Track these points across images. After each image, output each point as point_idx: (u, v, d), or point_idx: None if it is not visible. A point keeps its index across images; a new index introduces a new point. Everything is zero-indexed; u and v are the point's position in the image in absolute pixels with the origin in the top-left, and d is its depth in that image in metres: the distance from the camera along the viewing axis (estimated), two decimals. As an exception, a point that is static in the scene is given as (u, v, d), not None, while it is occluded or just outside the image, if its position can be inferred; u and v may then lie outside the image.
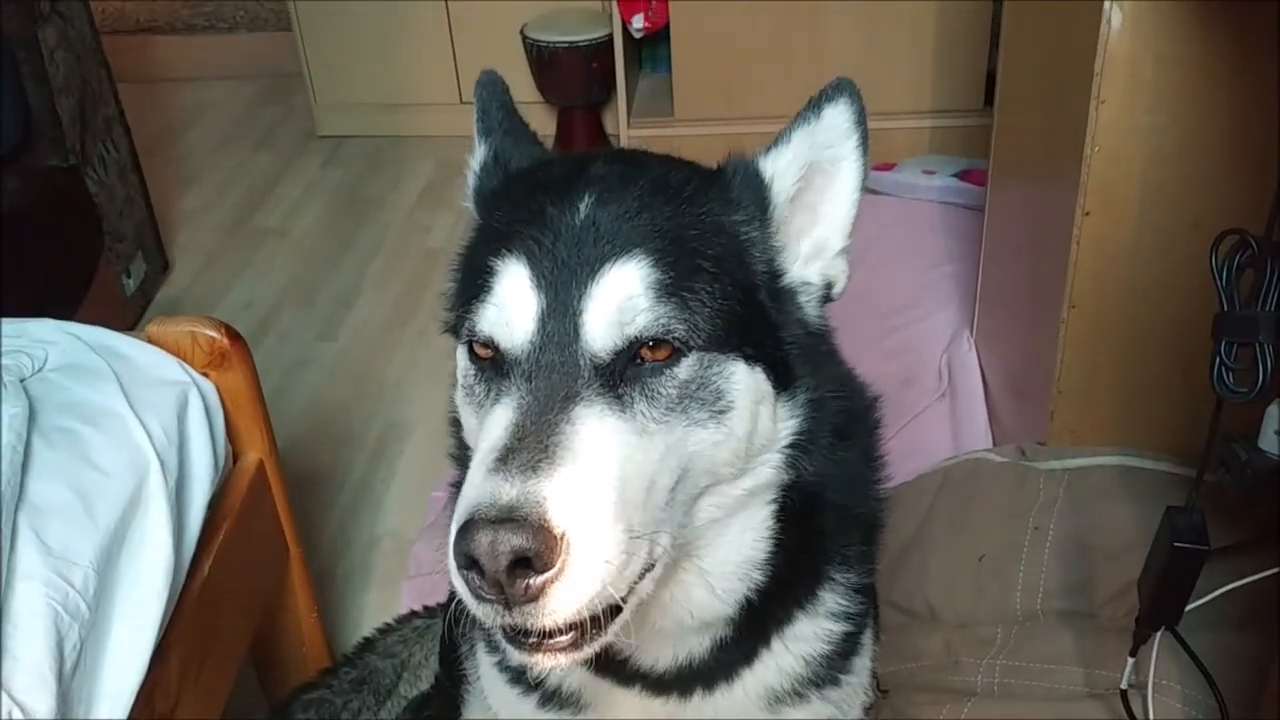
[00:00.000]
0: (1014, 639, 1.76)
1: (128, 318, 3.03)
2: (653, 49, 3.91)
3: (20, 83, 2.64)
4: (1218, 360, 1.25)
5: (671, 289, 0.93)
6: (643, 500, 0.89)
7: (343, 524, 2.44)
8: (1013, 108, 2.32)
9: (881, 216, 3.29)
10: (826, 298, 1.08)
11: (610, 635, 0.91)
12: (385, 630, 1.96)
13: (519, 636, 0.88)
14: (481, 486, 0.84)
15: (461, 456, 1.15)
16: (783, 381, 1.02)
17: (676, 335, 0.92)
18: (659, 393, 0.92)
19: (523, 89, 3.46)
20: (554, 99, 3.85)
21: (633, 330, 0.92)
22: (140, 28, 4.95)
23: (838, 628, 1.19)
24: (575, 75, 3.72)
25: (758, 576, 1.09)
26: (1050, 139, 1.95)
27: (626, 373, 0.92)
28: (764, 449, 1.02)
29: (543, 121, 3.80)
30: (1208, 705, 1.52)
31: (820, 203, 1.06)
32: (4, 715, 1.15)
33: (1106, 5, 1.58)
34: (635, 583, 0.90)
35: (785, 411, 1.03)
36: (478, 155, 1.16)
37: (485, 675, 1.33)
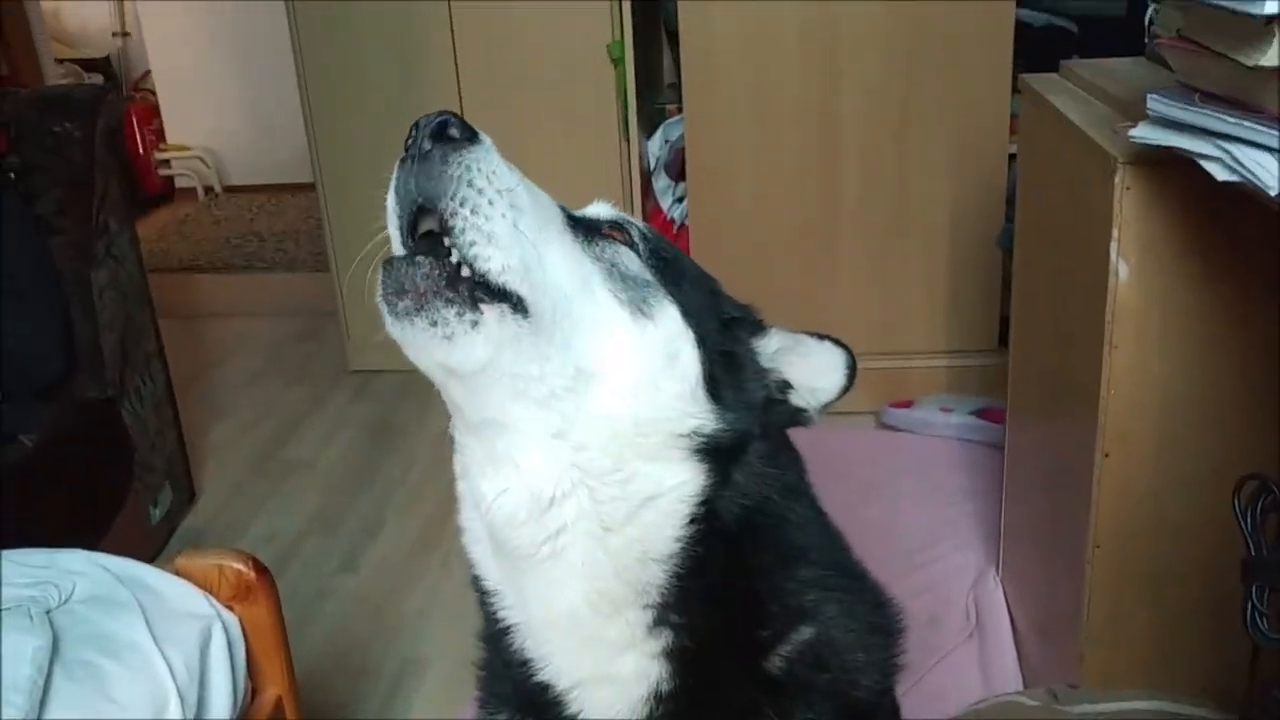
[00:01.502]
0: None
1: (151, 547, 3.04)
2: (675, 290, 4.05)
3: (70, 321, 2.76)
4: (1250, 606, 1.24)
5: (645, 234, 1.15)
6: (550, 244, 1.04)
7: (356, 764, 2.37)
8: (1027, 350, 2.38)
9: (900, 453, 3.32)
10: (785, 385, 1.19)
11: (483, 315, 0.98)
12: None
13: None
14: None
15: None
16: (711, 380, 1.09)
17: (631, 235, 1.13)
18: (603, 247, 1.10)
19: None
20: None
21: (615, 216, 1.16)
22: (183, 266, 5.18)
23: None
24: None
25: (658, 575, 1.05)
26: (1066, 381, 1.99)
27: (598, 227, 1.14)
28: (672, 399, 1.06)
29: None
30: None
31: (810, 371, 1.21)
32: None
33: (1113, 259, 1.65)
34: (501, 300, 0.98)
35: (706, 405, 1.08)
36: None
37: None
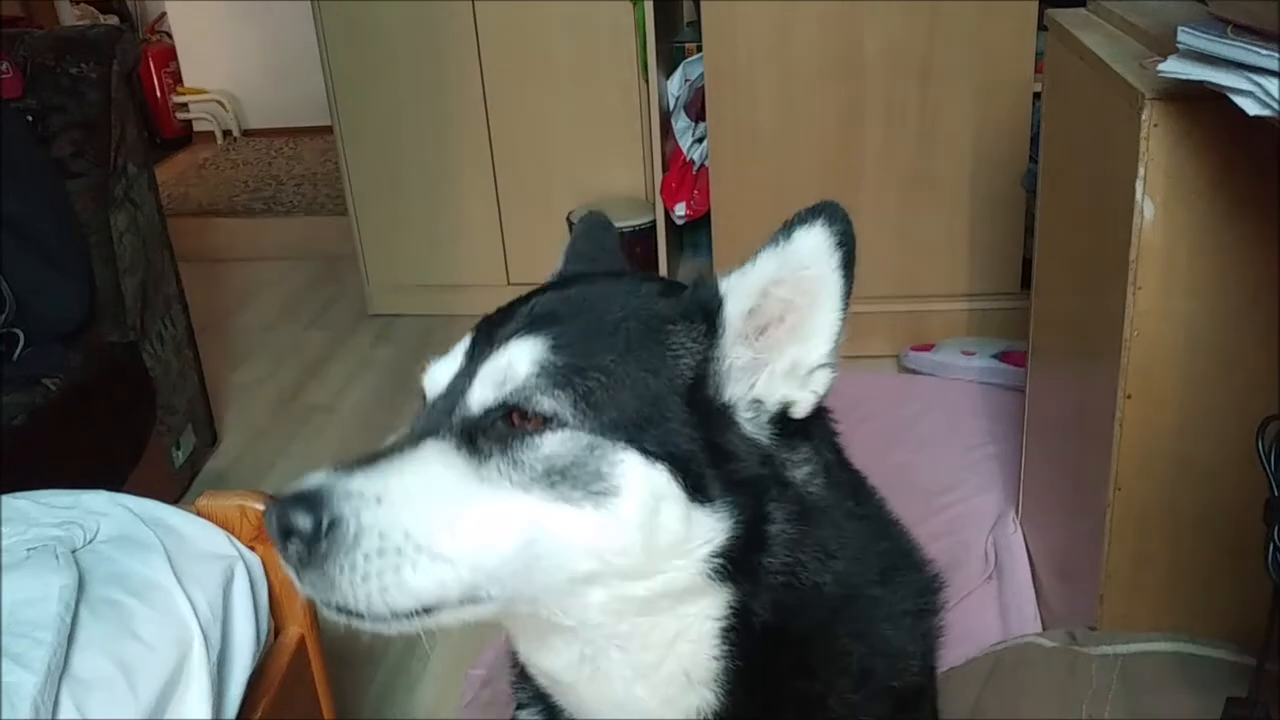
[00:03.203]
0: (1072, 837, 1.68)
1: (175, 489, 3.07)
2: (694, 235, 4.03)
3: (90, 265, 2.76)
4: (1271, 546, 1.23)
5: (560, 370, 0.97)
6: (460, 532, 0.94)
7: (379, 703, 2.40)
8: (1049, 293, 2.36)
9: (922, 396, 3.31)
10: (785, 418, 1.04)
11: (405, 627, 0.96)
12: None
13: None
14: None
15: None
16: (699, 490, 0.99)
17: (541, 409, 0.96)
18: (520, 459, 0.96)
19: (568, 271, 3.56)
20: (598, 281, 3.95)
21: (502, 394, 0.98)
22: (203, 210, 5.18)
23: None
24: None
25: (709, 695, 1.07)
26: (1088, 323, 1.97)
27: (493, 429, 0.97)
28: (671, 552, 0.99)
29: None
30: None
31: (802, 322, 1.03)
32: None
33: (1139, 198, 1.62)
34: (457, 606, 0.96)
35: (708, 521, 1.00)
36: (551, 275, 1.25)
37: None
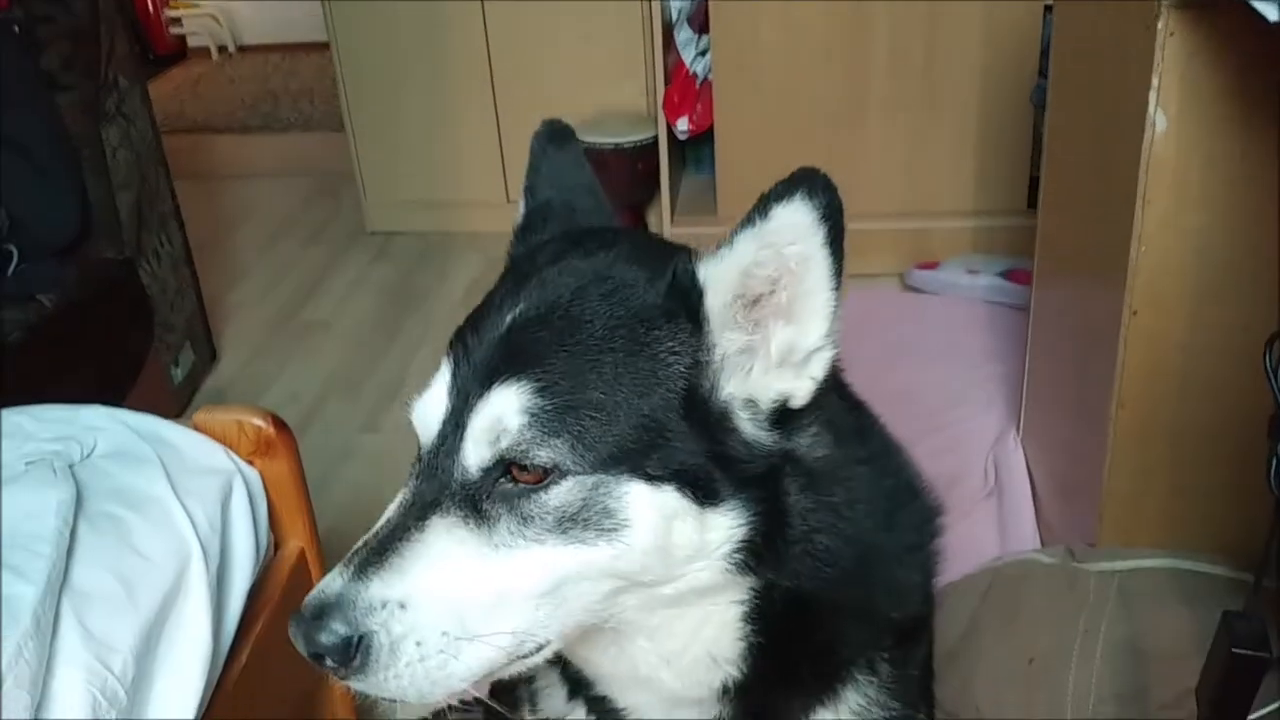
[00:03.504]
0: (1066, 748, 1.70)
1: (174, 407, 3.07)
2: (697, 150, 3.97)
3: (81, 179, 2.72)
4: (1274, 462, 1.22)
5: (550, 414, 0.94)
6: (490, 605, 0.95)
7: (380, 617, 2.42)
8: (1056, 209, 2.32)
9: (925, 315, 3.29)
10: (784, 411, 1.01)
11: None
12: (421, 724, 1.94)
13: None
14: (326, 576, 0.96)
15: None
16: (709, 496, 0.98)
17: (539, 462, 0.94)
18: (529, 514, 0.95)
19: (568, 187, 3.52)
20: (599, 198, 3.91)
21: (497, 451, 0.95)
22: (198, 127, 5.11)
23: None
24: (621, 176, 3.78)
25: (732, 670, 1.08)
26: (1095, 240, 1.95)
27: (495, 490, 0.96)
28: (690, 559, 0.99)
29: (587, 219, 3.86)
30: (1271, 823, 1.46)
31: (790, 303, 0.97)
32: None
33: (1151, 110, 1.59)
34: (510, 664, 0.99)
35: (723, 521, 0.99)
36: (517, 215, 1.20)
37: None
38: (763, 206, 0.93)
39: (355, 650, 0.92)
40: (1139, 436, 1.86)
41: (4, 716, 1.14)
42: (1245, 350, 1.40)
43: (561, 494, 0.94)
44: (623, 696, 1.16)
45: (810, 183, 0.91)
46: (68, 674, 1.23)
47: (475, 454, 0.96)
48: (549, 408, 0.94)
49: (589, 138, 3.75)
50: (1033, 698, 1.79)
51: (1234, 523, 1.80)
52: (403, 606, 0.93)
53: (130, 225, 2.90)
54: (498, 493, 0.96)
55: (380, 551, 0.95)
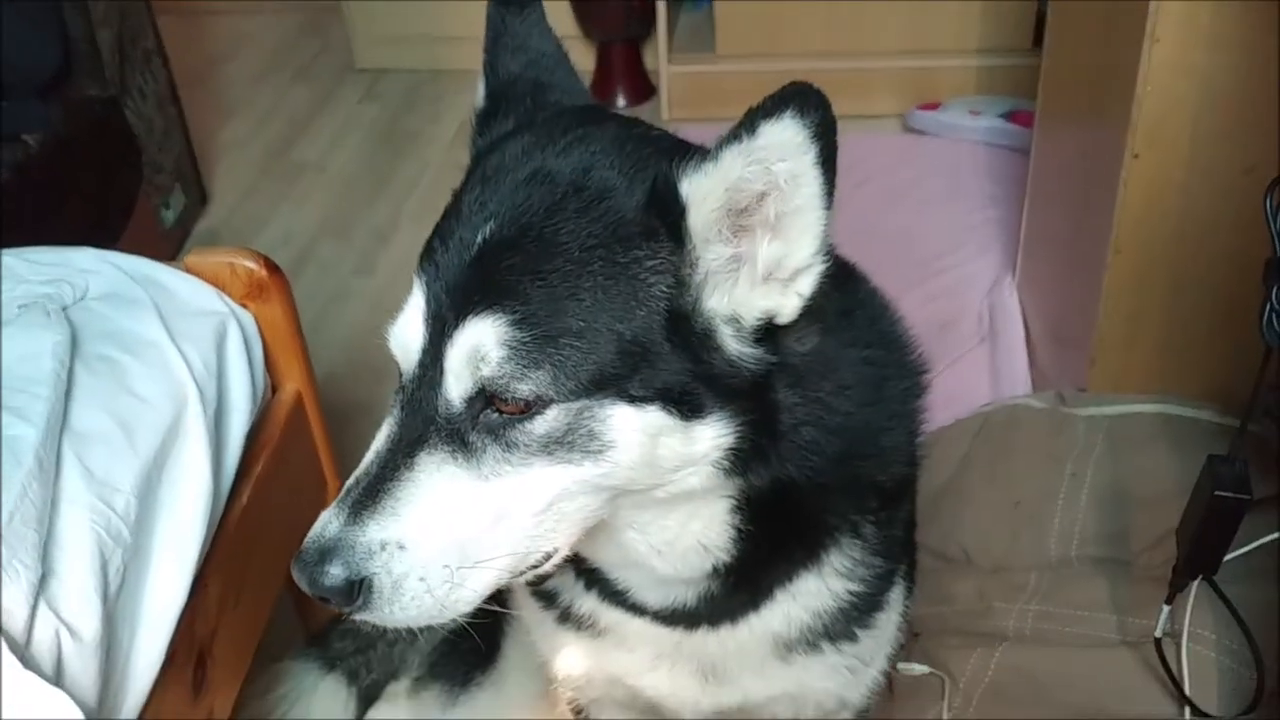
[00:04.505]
0: (1048, 585, 1.75)
1: (167, 249, 3.05)
2: (694, -16, 3.85)
3: (60, 13, 2.64)
4: (1268, 307, 1.23)
5: (530, 345, 0.92)
6: (488, 532, 0.97)
7: (379, 457, 2.46)
8: (1063, 47, 2.26)
9: (925, 157, 3.24)
10: (771, 328, 0.98)
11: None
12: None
13: None
14: (322, 516, 0.97)
15: None
16: (694, 410, 0.97)
17: (521, 394, 0.93)
18: (514, 442, 0.96)
19: (563, 23, 3.43)
20: (594, 34, 3.80)
21: (479, 380, 0.94)
22: (179, -43, 4.92)
23: (847, 587, 1.19)
24: (616, 9, 3.67)
25: (722, 555, 1.11)
26: (1100, 79, 1.90)
27: (480, 421, 0.96)
28: (679, 469, 1.00)
29: (582, 56, 3.76)
30: (1242, 655, 1.52)
31: (779, 219, 0.93)
32: (52, 635, 1.17)
33: (1165, -58, 1.53)
34: (522, 574, 1.02)
35: (710, 432, 0.98)
36: (477, 98, 1.13)
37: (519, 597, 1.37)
38: (750, 123, 0.88)
39: (359, 591, 0.95)
40: (1133, 282, 1.86)
41: (12, 556, 1.16)
42: (1246, 194, 1.39)
43: (546, 422, 0.94)
44: (622, 578, 1.20)
45: (802, 99, 0.86)
46: (72, 513, 1.25)
47: (457, 386, 0.96)
48: (527, 339, 0.92)
49: (584, -31, 3.63)
50: (1017, 539, 1.84)
51: (1223, 369, 1.82)
52: (402, 547, 0.95)
53: (113, 62, 2.82)
54: (482, 424, 0.95)
55: (372, 493, 0.96)
